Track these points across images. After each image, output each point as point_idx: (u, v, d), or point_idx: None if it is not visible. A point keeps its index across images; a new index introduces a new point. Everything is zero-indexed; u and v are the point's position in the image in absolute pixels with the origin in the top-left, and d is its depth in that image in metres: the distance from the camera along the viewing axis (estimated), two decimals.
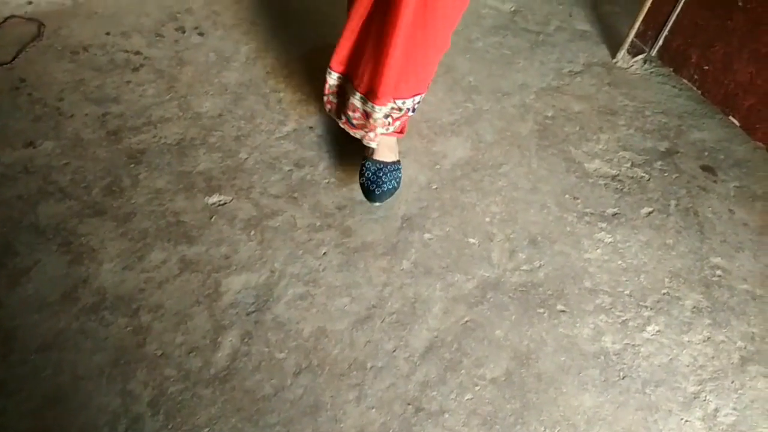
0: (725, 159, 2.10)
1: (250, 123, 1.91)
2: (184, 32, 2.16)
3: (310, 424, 1.40)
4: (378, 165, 1.75)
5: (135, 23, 2.15)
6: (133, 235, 1.64)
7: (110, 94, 1.92)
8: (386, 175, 1.74)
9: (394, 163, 1.78)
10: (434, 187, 1.86)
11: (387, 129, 1.71)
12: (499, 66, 2.26)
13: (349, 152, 1.89)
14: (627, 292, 1.72)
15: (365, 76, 1.59)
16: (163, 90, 1.97)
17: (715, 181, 2.03)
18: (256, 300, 1.56)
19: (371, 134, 1.69)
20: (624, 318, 1.67)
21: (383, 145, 1.77)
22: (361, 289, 1.62)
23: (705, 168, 2.06)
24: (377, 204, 1.77)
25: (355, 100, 1.65)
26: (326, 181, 1.82)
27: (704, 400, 1.55)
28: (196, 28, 2.18)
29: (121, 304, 1.52)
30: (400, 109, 1.67)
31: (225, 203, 1.72)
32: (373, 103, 1.61)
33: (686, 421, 1.51)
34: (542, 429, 1.46)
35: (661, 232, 1.87)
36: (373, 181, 1.73)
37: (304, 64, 2.11)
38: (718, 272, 1.81)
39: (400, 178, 1.79)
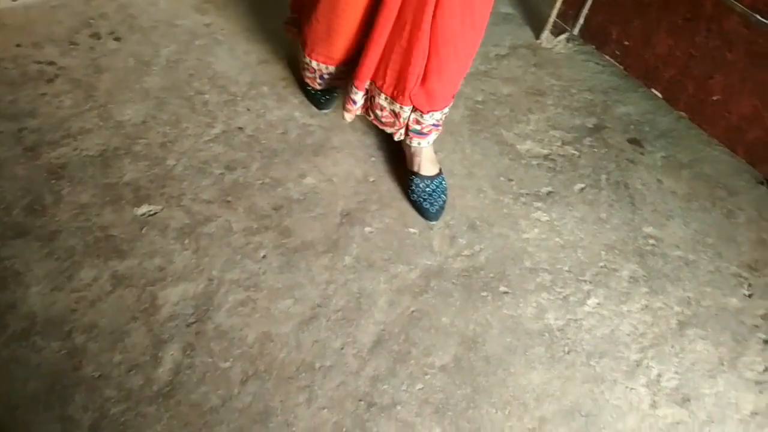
0: (651, 131, 2.16)
1: (176, 128, 1.85)
2: (99, 38, 2.07)
3: (262, 431, 1.37)
4: (426, 181, 1.79)
5: (47, 32, 2.05)
6: (60, 254, 1.56)
7: (25, 108, 1.83)
8: (436, 189, 1.79)
9: (438, 175, 1.82)
10: (371, 179, 1.85)
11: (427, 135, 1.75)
12: None
13: (281, 151, 1.85)
14: (566, 268, 1.75)
15: (389, 77, 1.60)
16: (81, 100, 1.88)
17: (642, 153, 2.09)
18: (196, 310, 1.51)
19: (401, 131, 1.73)
20: (565, 294, 1.70)
21: (426, 160, 1.80)
22: (304, 289, 1.60)
23: (632, 141, 2.12)
24: (433, 222, 1.78)
25: (382, 101, 1.67)
26: (260, 182, 1.78)
27: (647, 367, 1.60)
28: (111, 33, 2.09)
29: (52, 328, 1.45)
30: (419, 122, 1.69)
31: (155, 213, 1.66)
32: (400, 103, 1.63)
33: (631, 388, 1.55)
34: (494, 411, 1.47)
35: (595, 206, 1.91)
36: (425, 198, 1.78)
37: (228, 64, 2.05)
38: (651, 241, 1.86)
39: (446, 190, 1.82)
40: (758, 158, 2.04)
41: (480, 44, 1.62)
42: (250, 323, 1.52)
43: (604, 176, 1.99)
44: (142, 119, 1.86)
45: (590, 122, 2.15)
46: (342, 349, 1.52)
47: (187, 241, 1.62)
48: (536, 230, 1.82)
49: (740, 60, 1.92)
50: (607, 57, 2.29)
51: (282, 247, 1.66)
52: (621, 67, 2.25)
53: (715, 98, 2.04)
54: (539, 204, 1.88)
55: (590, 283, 1.73)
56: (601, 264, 1.78)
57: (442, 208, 1.79)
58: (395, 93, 1.62)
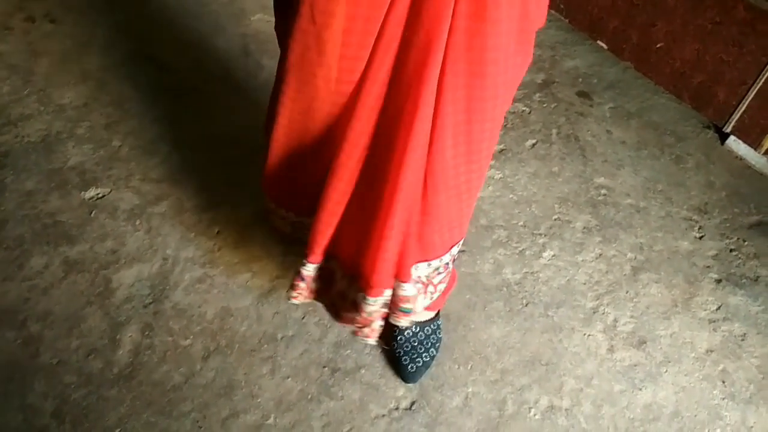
0: (598, 83, 2.18)
1: (120, 108, 1.81)
2: (34, 22, 2.01)
3: (227, 405, 1.38)
4: (415, 328, 1.45)
5: None
6: (9, 243, 1.53)
7: None
8: (423, 342, 1.45)
9: (432, 320, 1.48)
10: None
11: (431, 297, 1.33)
12: None
13: (229, 121, 1.83)
14: (521, 223, 1.77)
15: (352, 248, 1.15)
16: (20, 86, 1.83)
17: (591, 105, 2.11)
18: (152, 291, 1.50)
19: (366, 329, 1.23)
20: (521, 248, 1.72)
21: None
22: (262, 261, 1.59)
23: (580, 94, 2.14)
24: (410, 384, 1.44)
25: (341, 281, 1.22)
26: (210, 157, 1.75)
27: (603, 313, 1.64)
28: (46, 15, 2.03)
29: (6, 318, 1.43)
30: (437, 270, 1.26)
31: (104, 196, 1.63)
32: (364, 293, 1.15)
33: (589, 335, 1.59)
34: (456, 367, 1.49)
35: (547, 161, 1.93)
36: (407, 351, 1.44)
37: (171, 37, 2.01)
38: (603, 191, 1.89)
39: (440, 340, 1.49)
40: (703, 103, 2.08)
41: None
42: (208, 299, 1.51)
43: (554, 130, 2.01)
44: (84, 101, 1.81)
45: (539, 78, 2.16)
46: (303, 318, 1.52)
47: (138, 222, 1.60)
48: (490, 188, 1.84)
49: (680, 6, 1.94)
50: (552, 11, 2.29)
51: (236, 222, 1.65)
52: (566, 20, 2.25)
53: (658, 46, 2.06)
54: (492, 162, 1.89)
55: (545, 236, 1.76)
56: (555, 217, 1.80)
57: (427, 366, 1.44)
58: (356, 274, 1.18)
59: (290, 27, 0.97)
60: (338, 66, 0.97)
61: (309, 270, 1.21)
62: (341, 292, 1.23)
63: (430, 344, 1.46)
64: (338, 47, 0.94)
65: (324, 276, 1.24)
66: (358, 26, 0.92)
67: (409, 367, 1.43)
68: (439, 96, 0.96)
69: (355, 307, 1.19)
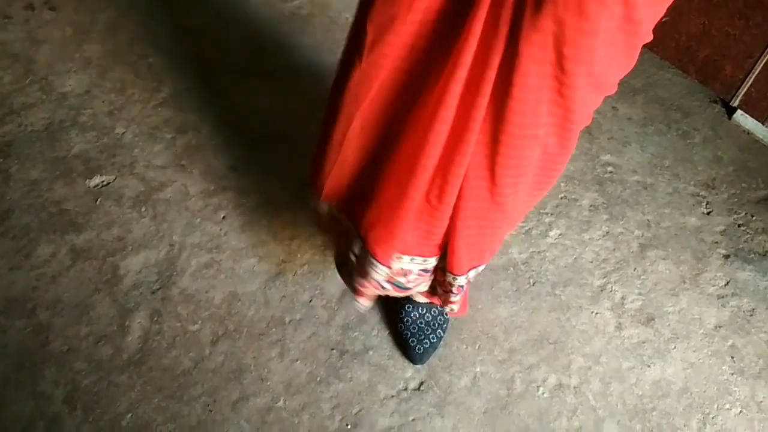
0: None
1: (122, 95, 1.80)
2: (33, 9, 2.00)
3: (237, 388, 1.38)
4: (421, 309, 1.46)
5: None
6: (15, 233, 1.54)
7: None
8: (431, 323, 1.44)
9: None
10: None
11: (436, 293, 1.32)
12: None
13: (232, 106, 1.82)
14: None
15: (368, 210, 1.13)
16: (21, 75, 1.82)
17: None
18: (160, 277, 1.51)
19: (362, 298, 1.26)
20: (527, 228, 1.71)
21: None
22: (268, 246, 1.59)
23: None
24: (418, 366, 1.45)
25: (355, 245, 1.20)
26: (213, 143, 1.75)
27: (611, 291, 1.63)
28: (46, 3, 2.02)
29: (15, 306, 1.43)
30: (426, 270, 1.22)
31: (108, 183, 1.63)
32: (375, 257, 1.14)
33: (596, 313, 1.59)
34: (464, 347, 1.50)
35: None
36: (414, 333, 1.43)
37: (171, 23, 1.99)
38: (610, 168, 1.88)
39: (447, 321, 1.47)
40: (710, 77, 2.05)
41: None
42: (215, 285, 1.52)
43: None
44: (86, 89, 1.81)
45: None
46: (311, 301, 1.53)
47: (144, 209, 1.60)
48: None
49: None
50: None
51: (242, 207, 1.65)
52: None
53: (663, 20, 2.03)
54: None
55: (551, 215, 1.75)
56: (561, 195, 1.79)
57: (434, 347, 1.45)
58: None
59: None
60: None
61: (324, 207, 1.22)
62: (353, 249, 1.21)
63: (437, 325, 1.46)
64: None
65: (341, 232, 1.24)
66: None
67: (417, 348, 1.44)
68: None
69: (362, 269, 1.18)
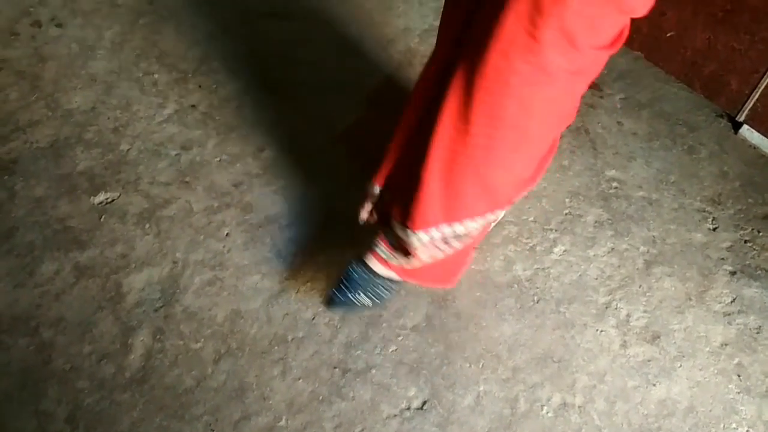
0: (609, 73, 2.15)
1: (127, 111, 1.81)
2: (40, 26, 2.01)
3: (239, 407, 1.38)
4: (360, 270, 1.47)
5: None
6: (20, 250, 1.54)
7: None
8: (362, 285, 1.47)
9: (385, 278, 1.48)
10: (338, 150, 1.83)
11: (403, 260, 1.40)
12: (379, 12, 2.22)
13: (237, 125, 1.82)
14: (531, 218, 1.76)
15: (402, 199, 1.30)
16: (27, 91, 1.84)
17: (601, 97, 2.08)
18: (162, 294, 1.51)
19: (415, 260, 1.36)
20: (531, 244, 1.71)
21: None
22: (271, 263, 1.59)
23: (591, 85, 2.10)
24: (332, 309, 1.52)
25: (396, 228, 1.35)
26: (217, 159, 1.75)
27: (616, 309, 1.62)
28: (52, 19, 2.03)
29: (18, 325, 1.44)
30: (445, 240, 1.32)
31: (113, 200, 1.64)
32: (410, 228, 1.29)
33: (601, 331, 1.58)
34: (468, 365, 1.49)
35: (556, 155, 1.90)
36: (345, 281, 1.48)
37: (175, 40, 2.01)
38: (615, 184, 1.87)
39: (381, 299, 1.50)
40: (715, 92, 2.04)
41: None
42: (218, 302, 1.51)
43: None
44: (91, 105, 1.82)
45: None
46: (313, 319, 1.52)
47: (147, 226, 1.60)
48: None
49: None
50: None
51: (245, 224, 1.65)
52: None
53: (669, 35, 2.03)
54: None
55: (556, 231, 1.74)
56: (566, 211, 1.79)
57: (349, 304, 1.49)
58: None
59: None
60: None
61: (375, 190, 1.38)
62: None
63: (369, 289, 1.48)
64: None
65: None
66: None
67: (338, 293, 1.47)
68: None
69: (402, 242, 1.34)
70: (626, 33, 1.17)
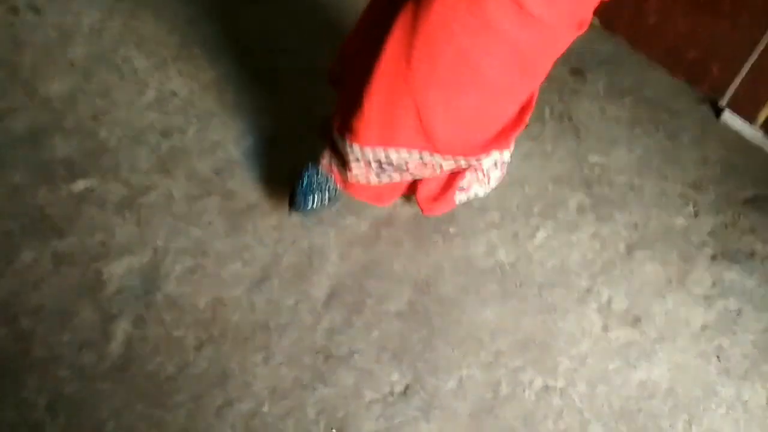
0: (592, 59, 2.15)
1: (106, 98, 1.79)
2: (17, 13, 1.98)
3: (221, 394, 1.38)
4: (312, 174, 1.55)
5: None
6: None
7: None
8: (322, 184, 1.55)
9: (332, 183, 1.58)
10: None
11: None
12: None
13: (218, 112, 1.81)
14: (514, 204, 1.76)
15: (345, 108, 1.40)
16: (4, 79, 1.81)
17: (584, 83, 2.09)
18: (143, 282, 1.49)
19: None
20: (514, 230, 1.71)
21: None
22: (253, 250, 1.59)
23: (574, 71, 2.11)
24: (299, 212, 1.58)
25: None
26: (198, 146, 1.74)
27: (597, 293, 1.63)
28: (29, 5, 2.00)
29: None
30: (379, 163, 1.42)
31: (92, 188, 1.62)
32: (351, 141, 1.39)
33: (583, 315, 1.59)
34: (450, 350, 1.49)
35: (539, 141, 1.91)
36: (302, 185, 1.54)
37: (155, 26, 1.98)
38: (597, 169, 1.88)
39: (332, 201, 1.58)
40: (697, 77, 2.05)
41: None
42: (200, 289, 1.51)
43: (547, 109, 1.99)
44: (70, 92, 1.79)
45: None
46: (296, 305, 1.52)
47: (127, 214, 1.59)
48: None
49: None
50: None
51: (227, 211, 1.64)
52: None
53: (651, 21, 2.03)
54: None
55: (539, 216, 1.75)
56: (549, 197, 1.79)
57: (313, 200, 1.55)
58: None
59: None
60: None
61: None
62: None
63: (318, 195, 1.55)
64: None
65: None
66: None
67: (297, 195, 1.54)
68: None
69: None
70: (589, 18, 1.23)
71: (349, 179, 1.48)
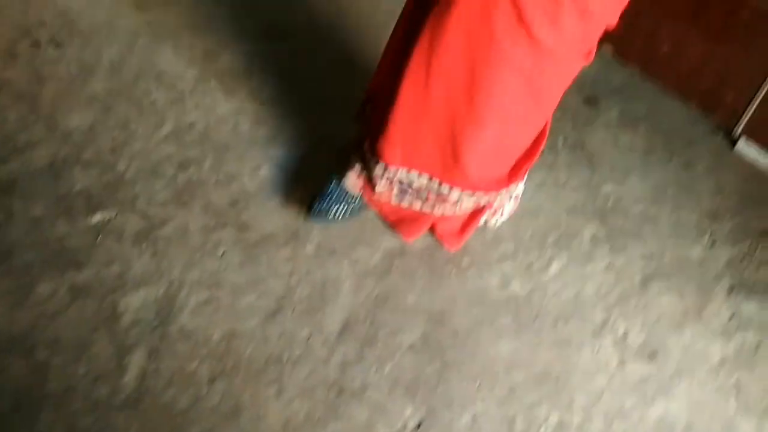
0: (605, 88, 2.16)
1: (125, 131, 1.82)
2: (39, 47, 2.03)
3: (233, 428, 1.38)
4: (336, 184, 1.65)
5: None
6: (17, 271, 1.54)
7: None
8: (338, 198, 1.66)
9: (358, 197, 1.68)
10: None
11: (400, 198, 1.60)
12: (376, 31, 2.24)
13: (234, 145, 1.83)
14: (528, 235, 1.75)
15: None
16: (26, 112, 1.85)
17: (598, 112, 2.09)
18: (158, 314, 1.51)
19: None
20: (528, 261, 1.70)
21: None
22: (267, 282, 1.59)
23: (587, 101, 2.12)
24: (319, 219, 1.67)
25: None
26: (214, 178, 1.76)
27: (613, 326, 1.62)
28: (51, 40, 2.05)
29: (14, 345, 1.44)
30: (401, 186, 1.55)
31: (110, 220, 1.64)
32: (378, 158, 1.50)
33: (599, 348, 1.57)
34: (464, 384, 1.48)
35: (553, 170, 1.91)
36: (323, 194, 1.66)
37: (172, 60, 2.02)
38: (611, 199, 1.87)
39: (351, 213, 1.67)
40: (712, 106, 2.05)
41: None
42: (214, 322, 1.51)
43: (561, 138, 1.99)
44: (90, 126, 1.83)
45: None
46: (309, 338, 1.52)
47: (144, 246, 1.61)
48: None
49: (685, 9, 1.92)
50: None
51: (241, 243, 1.65)
52: None
53: (664, 49, 2.04)
54: None
55: (553, 247, 1.74)
56: (563, 227, 1.79)
57: (330, 212, 1.66)
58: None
59: None
60: None
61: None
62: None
63: (342, 206, 1.65)
64: None
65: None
66: None
67: (315, 203, 1.65)
68: None
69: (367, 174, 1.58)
70: (594, 48, 1.31)
71: (375, 194, 1.59)
